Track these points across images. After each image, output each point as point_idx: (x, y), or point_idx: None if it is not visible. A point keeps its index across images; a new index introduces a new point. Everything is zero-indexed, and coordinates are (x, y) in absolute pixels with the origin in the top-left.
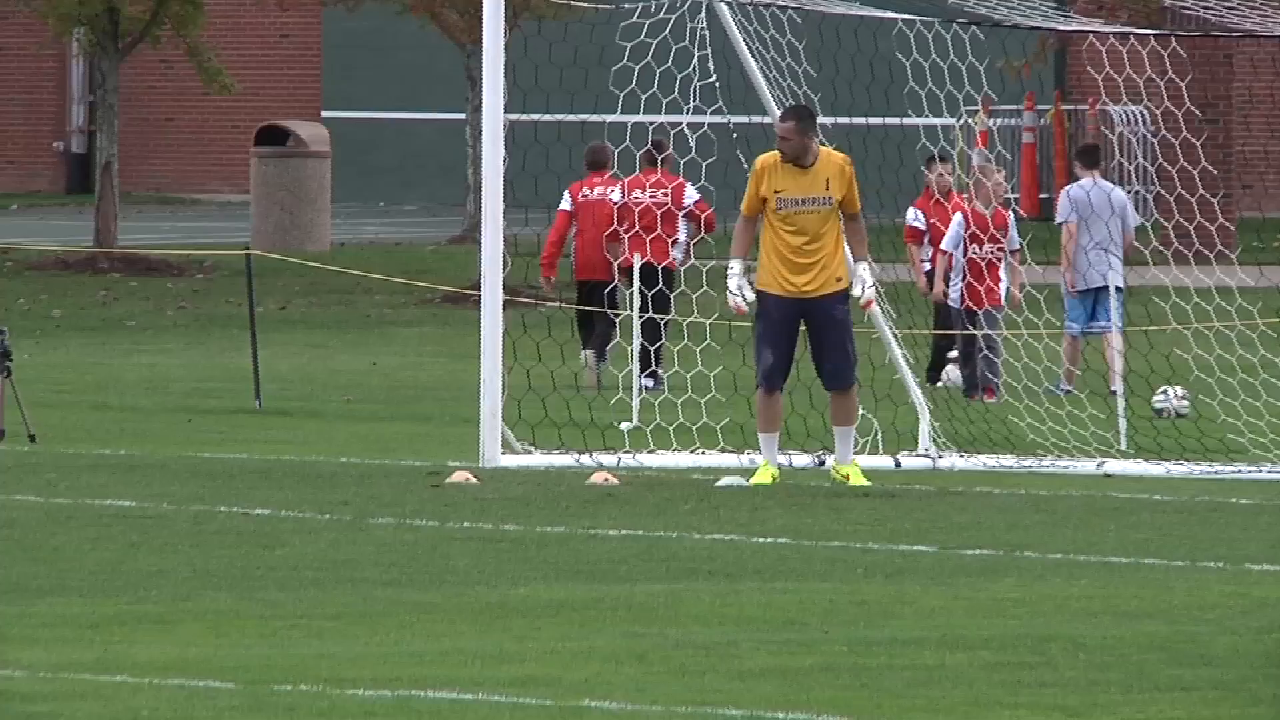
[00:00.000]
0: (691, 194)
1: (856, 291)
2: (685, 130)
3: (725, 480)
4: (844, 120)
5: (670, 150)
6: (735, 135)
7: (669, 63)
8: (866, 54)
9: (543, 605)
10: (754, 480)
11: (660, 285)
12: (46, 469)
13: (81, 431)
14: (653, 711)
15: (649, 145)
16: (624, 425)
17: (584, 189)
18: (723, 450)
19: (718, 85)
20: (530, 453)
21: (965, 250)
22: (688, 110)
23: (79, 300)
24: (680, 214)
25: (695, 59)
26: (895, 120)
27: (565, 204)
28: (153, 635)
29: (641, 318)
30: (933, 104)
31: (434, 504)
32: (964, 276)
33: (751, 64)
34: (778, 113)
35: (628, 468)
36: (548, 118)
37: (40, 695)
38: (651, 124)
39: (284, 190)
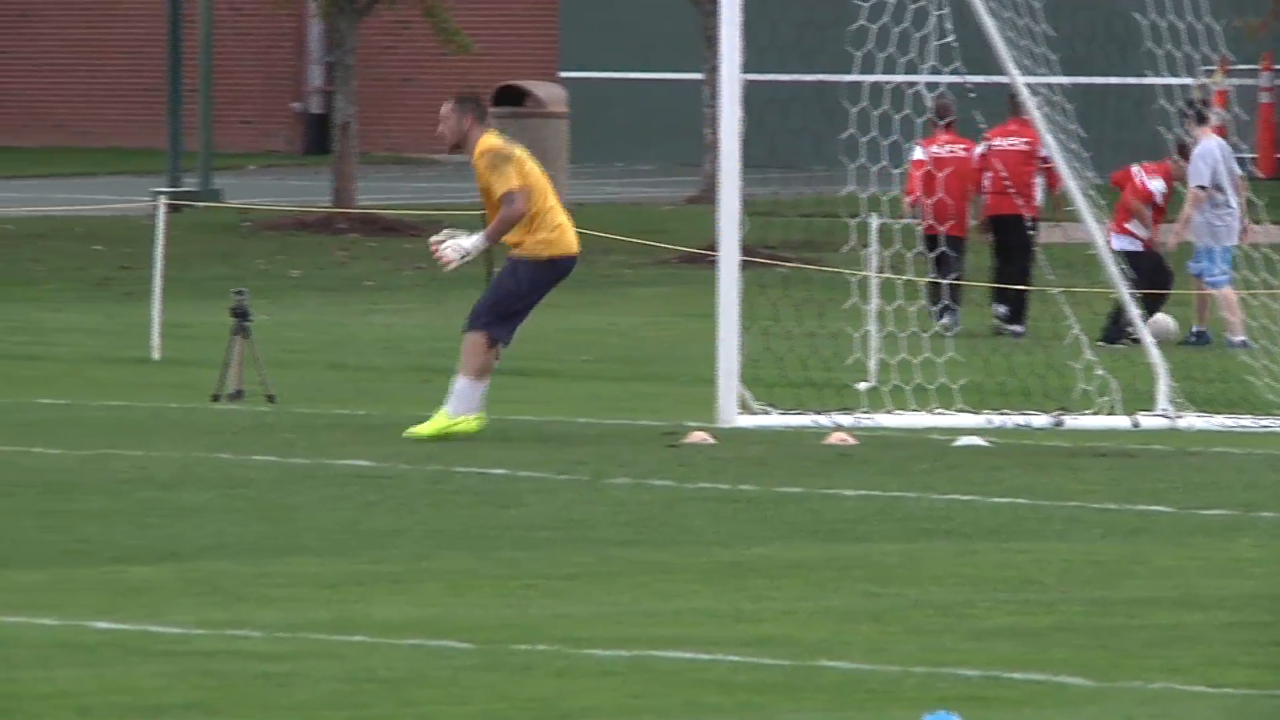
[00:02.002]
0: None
1: (443, 246)
2: (922, 90)
3: (963, 440)
4: (1081, 79)
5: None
6: (973, 95)
7: (906, 22)
8: (1104, 13)
9: (779, 565)
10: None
11: (1021, 233)
12: (284, 429)
13: (318, 391)
14: (889, 671)
15: (1010, 98)
16: (861, 385)
17: (933, 144)
18: (960, 410)
19: (955, 44)
20: (767, 413)
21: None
22: (925, 70)
23: (316, 260)
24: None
25: (933, 18)
26: (1132, 79)
27: (918, 154)
28: (389, 595)
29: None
30: (1170, 63)
31: (671, 464)
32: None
33: (989, 23)
34: (1016, 72)
35: (865, 427)
36: (785, 78)
37: (277, 655)
38: (888, 84)
39: None
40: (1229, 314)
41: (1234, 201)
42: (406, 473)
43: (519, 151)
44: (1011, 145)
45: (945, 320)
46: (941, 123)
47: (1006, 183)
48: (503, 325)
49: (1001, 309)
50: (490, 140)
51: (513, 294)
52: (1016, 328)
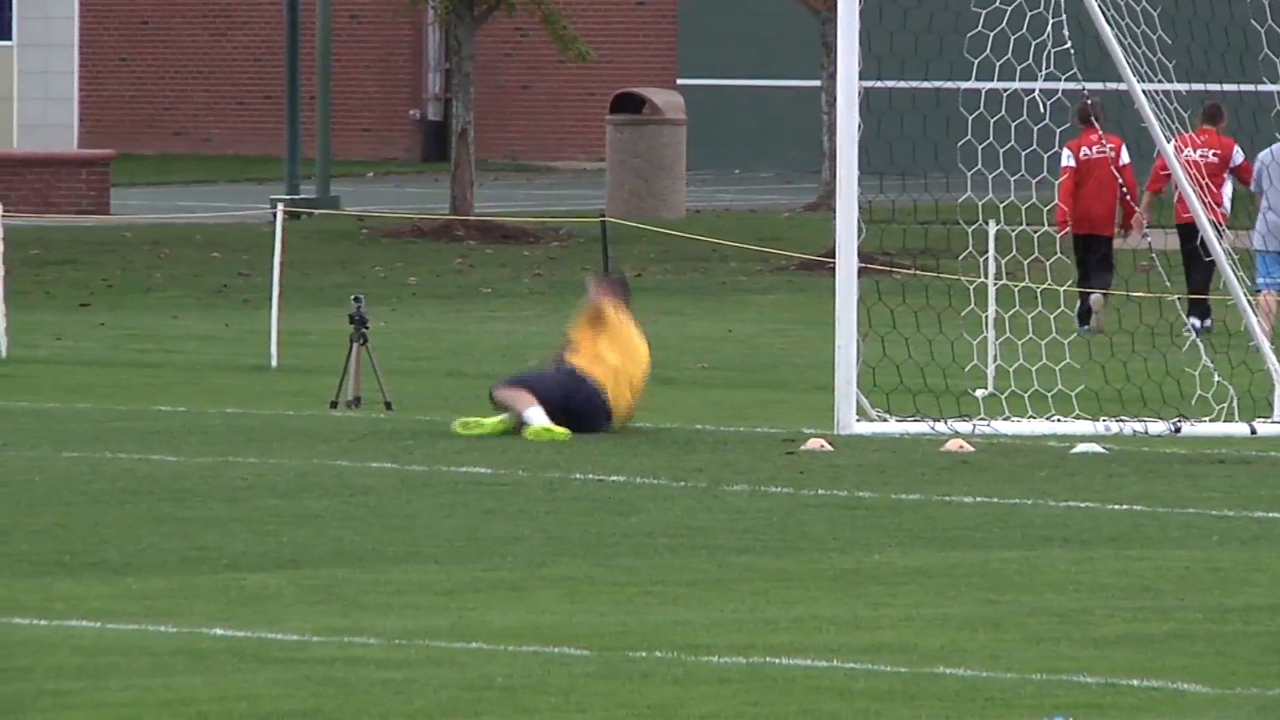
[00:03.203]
0: (1239, 155)
1: None
2: (1038, 97)
3: (1081, 447)
4: (1199, 87)
5: (1225, 116)
6: (1090, 102)
7: (1024, 29)
8: (1221, 20)
9: (897, 572)
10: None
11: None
12: (402, 436)
13: (437, 399)
14: (1007, 679)
15: (1206, 106)
16: (979, 392)
17: (1083, 147)
18: (1078, 417)
19: (1072, 52)
20: (885, 420)
21: None
22: (1042, 77)
23: (435, 268)
24: (1226, 173)
25: (1050, 25)
26: (1250, 87)
27: (1068, 160)
28: (507, 602)
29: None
30: None
31: (789, 471)
32: None
33: (1106, 30)
34: (1133, 80)
35: (982, 435)
36: (902, 84)
37: (395, 662)
38: (1005, 91)
39: (639, 158)
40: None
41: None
42: (524, 480)
43: (615, 319)
44: (1202, 157)
45: (1084, 327)
46: (1083, 125)
47: (1132, 196)
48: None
49: (1194, 321)
50: (613, 310)
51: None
52: (1205, 322)
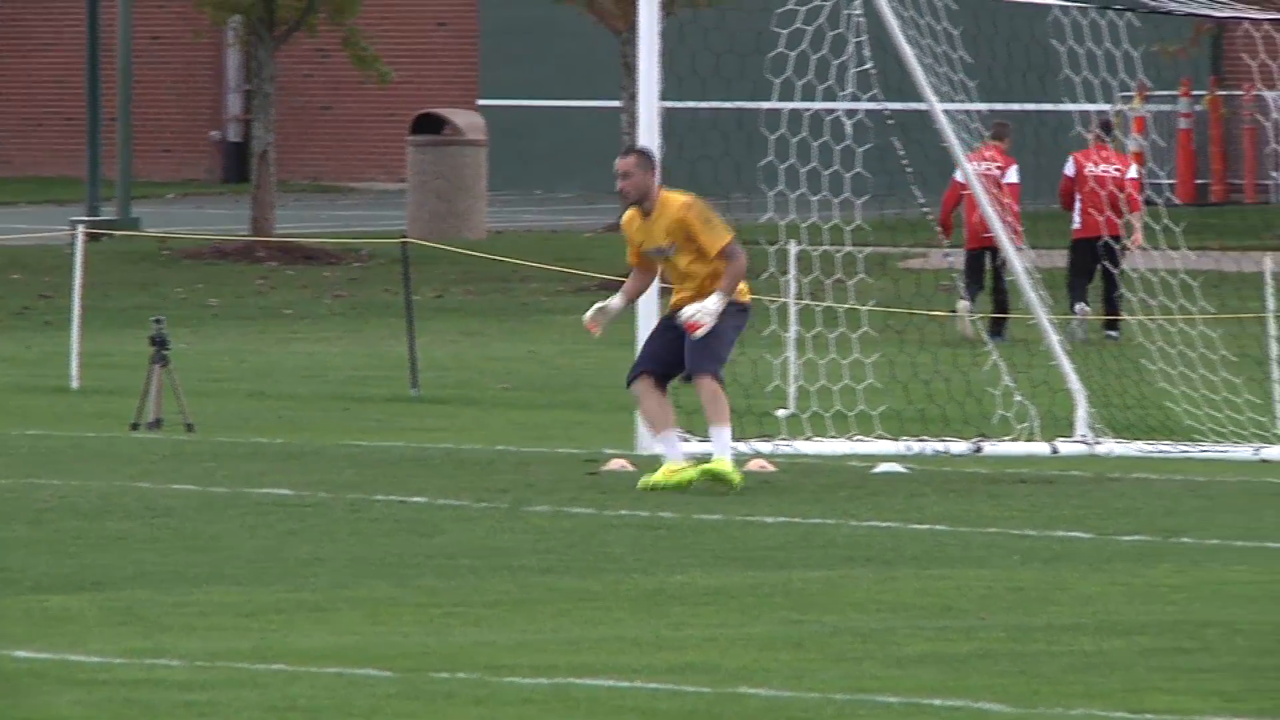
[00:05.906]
0: (1133, 172)
1: (686, 313)
2: (841, 117)
3: (882, 467)
4: (999, 106)
5: (1116, 129)
6: (891, 122)
7: (825, 49)
8: (1022, 40)
9: (700, 592)
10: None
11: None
12: (204, 457)
13: (239, 420)
14: (810, 699)
15: (1100, 122)
16: (780, 412)
17: (976, 160)
18: (880, 437)
19: (874, 72)
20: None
21: None
22: (844, 97)
23: (236, 289)
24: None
25: (851, 45)
26: (1050, 106)
27: (959, 175)
28: (310, 623)
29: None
30: (1088, 90)
31: (591, 491)
32: None
33: (907, 50)
34: (934, 99)
35: (784, 455)
36: (703, 105)
37: (198, 684)
38: (807, 111)
39: (440, 178)
40: None
41: None
42: (327, 501)
43: None
44: (1104, 171)
45: (965, 304)
46: (993, 141)
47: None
48: (720, 365)
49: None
50: (681, 194)
51: (724, 338)
52: (1112, 333)
